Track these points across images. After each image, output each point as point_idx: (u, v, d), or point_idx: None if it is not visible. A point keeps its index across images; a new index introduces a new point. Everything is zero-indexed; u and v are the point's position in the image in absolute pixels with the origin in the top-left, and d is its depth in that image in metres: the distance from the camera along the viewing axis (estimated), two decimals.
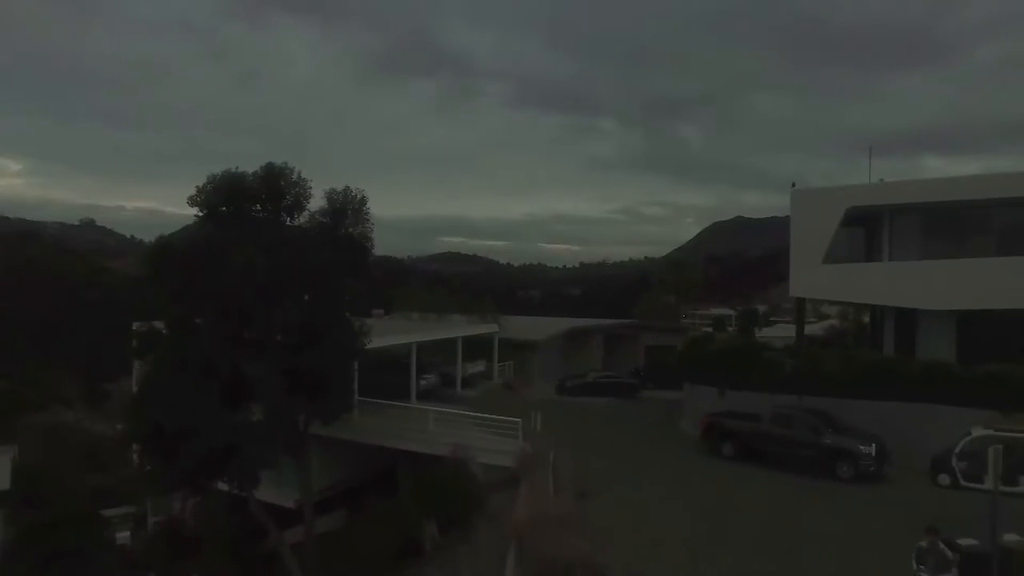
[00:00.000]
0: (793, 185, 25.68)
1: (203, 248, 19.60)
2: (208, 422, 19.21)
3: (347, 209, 21.20)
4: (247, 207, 20.98)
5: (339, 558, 23.31)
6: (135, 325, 23.31)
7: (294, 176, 21.34)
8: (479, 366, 33.20)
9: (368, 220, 21.48)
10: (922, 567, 11.66)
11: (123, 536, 34.89)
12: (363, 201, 21.38)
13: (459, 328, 32.02)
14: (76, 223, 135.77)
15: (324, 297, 20.64)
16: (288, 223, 21.44)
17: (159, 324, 21.32)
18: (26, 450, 44.29)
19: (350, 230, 21.10)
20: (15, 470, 36.69)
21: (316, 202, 21.58)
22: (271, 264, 19.05)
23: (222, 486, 24.57)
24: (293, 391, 20.32)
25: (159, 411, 19.63)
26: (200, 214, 20.57)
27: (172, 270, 19.28)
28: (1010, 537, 13.33)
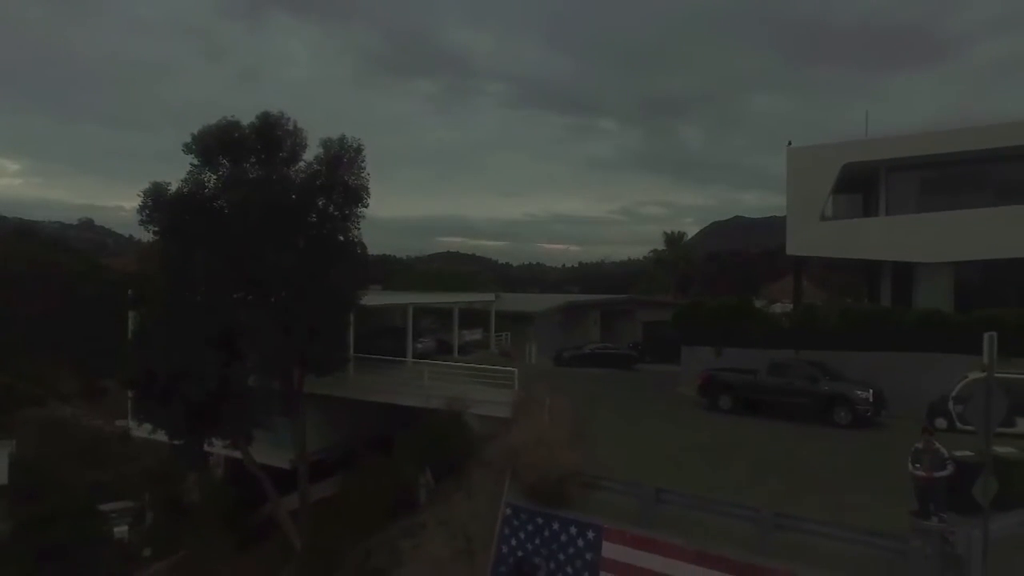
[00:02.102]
0: (789, 143, 25.66)
1: (197, 189, 19.56)
2: (201, 365, 19.10)
3: (343, 158, 21.14)
4: (243, 157, 20.97)
5: (334, 519, 23.22)
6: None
7: (290, 125, 21.35)
8: (476, 334, 33.13)
9: (364, 170, 21.43)
10: (918, 464, 11.60)
11: (121, 530, 34.74)
12: (359, 150, 21.30)
13: (456, 295, 31.93)
14: (75, 223, 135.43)
15: (319, 242, 20.57)
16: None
17: (152, 272, 21.31)
18: (24, 445, 44.22)
19: (346, 178, 21.03)
20: (13, 464, 36.62)
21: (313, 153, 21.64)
22: (265, 204, 18.98)
23: (218, 449, 24.58)
24: (287, 337, 20.25)
25: (152, 354, 19.55)
26: (196, 162, 20.58)
27: (164, 210, 19.22)
28: (1005, 448, 13.32)
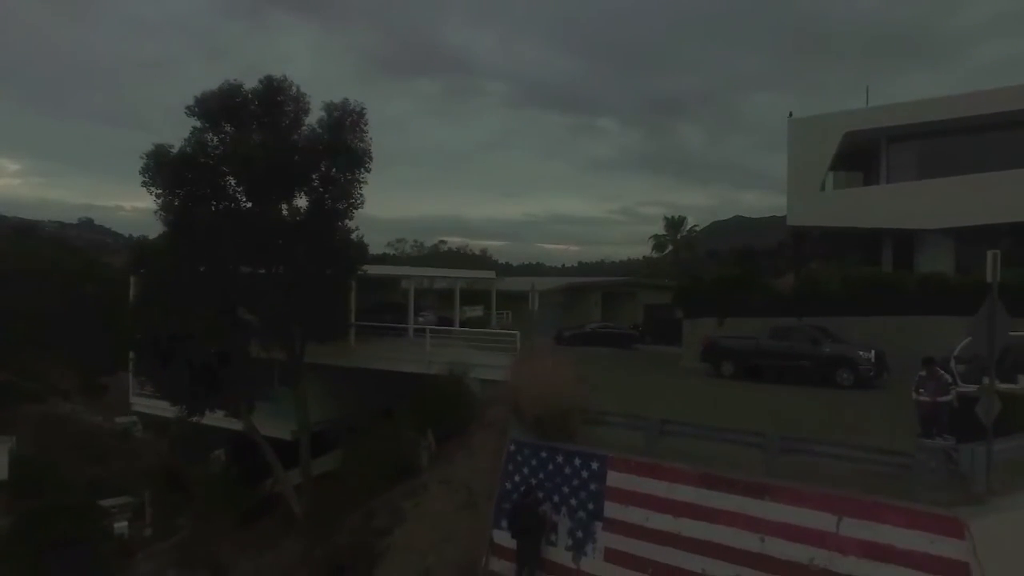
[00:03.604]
0: (790, 115, 25.74)
1: (200, 149, 19.60)
2: (202, 325, 19.12)
3: (345, 121, 21.18)
4: (246, 122, 21.00)
5: (336, 487, 23.21)
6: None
7: (292, 90, 21.40)
8: (477, 311, 33.15)
9: (367, 133, 21.46)
10: (922, 390, 11.63)
11: (121, 526, 34.74)
12: (361, 114, 21.35)
13: (457, 271, 31.96)
14: (74, 222, 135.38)
15: (322, 204, 20.60)
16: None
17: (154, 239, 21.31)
18: (24, 441, 44.25)
19: (348, 141, 21.06)
20: (13, 460, 36.66)
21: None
22: (269, 163, 19.00)
23: (219, 421, 24.51)
24: (288, 299, 20.27)
25: (153, 315, 19.57)
26: (198, 125, 20.62)
27: (167, 169, 19.25)
28: (1007, 385, 13.32)
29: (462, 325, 31.30)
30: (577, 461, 12.15)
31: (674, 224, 49.42)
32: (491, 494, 16.86)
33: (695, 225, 50.99)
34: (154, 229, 21.10)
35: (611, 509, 11.63)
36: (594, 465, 11.92)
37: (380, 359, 24.12)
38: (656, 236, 49.89)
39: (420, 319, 28.25)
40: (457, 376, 21.33)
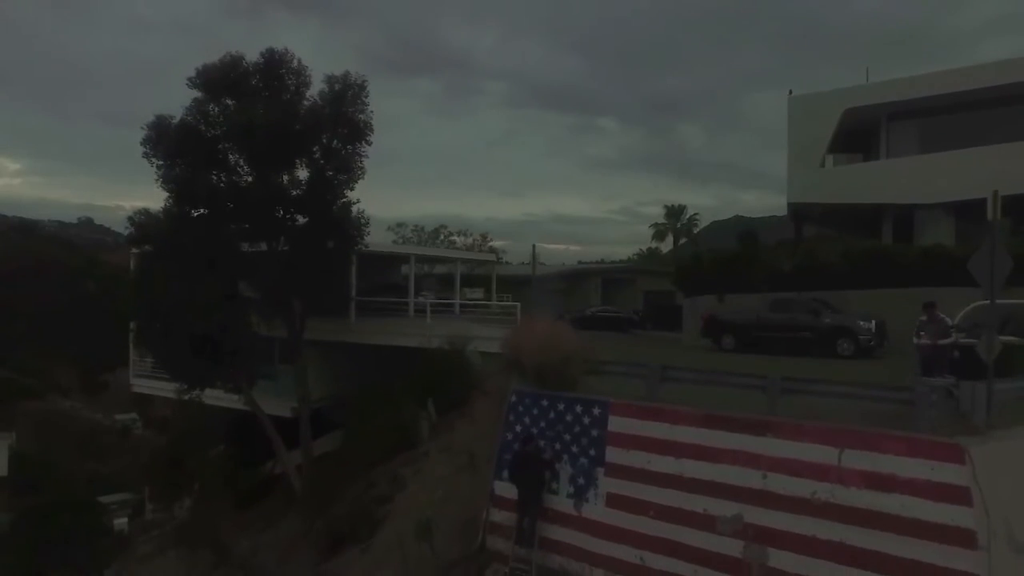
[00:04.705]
0: (790, 92, 25.80)
1: (201, 118, 19.64)
2: (204, 297, 19.13)
3: (347, 93, 21.21)
4: (247, 95, 21.01)
5: (337, 463, 23.20)
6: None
7: (294, 63, 21.43)
8: (477, 293, 33.22)
9: (367, 105, 21.48)
10: (922, 333, 11.65)
11: (120, 522, 34.79)
12: (363, 86, 21.37)
13: (458, 251, 32.00)
14: (74, 221, 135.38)
15: (323, 172, 20.62)
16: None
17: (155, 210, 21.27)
18: (24, 437, 44.27)
19: (349, 112, 21.09)
20: (13, 456, 36.68)
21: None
22: (270, 131, 19.02)
23: (219, 400, 24.48)
24: (288, 270, 20.28)
25: (156, 284, 19.58)
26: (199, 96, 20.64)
27: (168, 139, 19.27)
28: (1007, 337, 13.34)
29: (462, 307, 31.40)
30: (578, 408, 12.15)
31: (674, 213, 49.38)
32: (493, 456, 16.90)
33: (695, 214, 51.05)
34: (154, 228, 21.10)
35: (613, 454, 11.62)
36: (596, 411, 11.92)
37: (380, 334, 24.12)
38: (656, 225, 49.91)
39: (421, 298, 28.32)
40: (458, 348, 21.37)
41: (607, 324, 33.42)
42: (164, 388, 26.86)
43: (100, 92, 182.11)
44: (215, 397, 24.16)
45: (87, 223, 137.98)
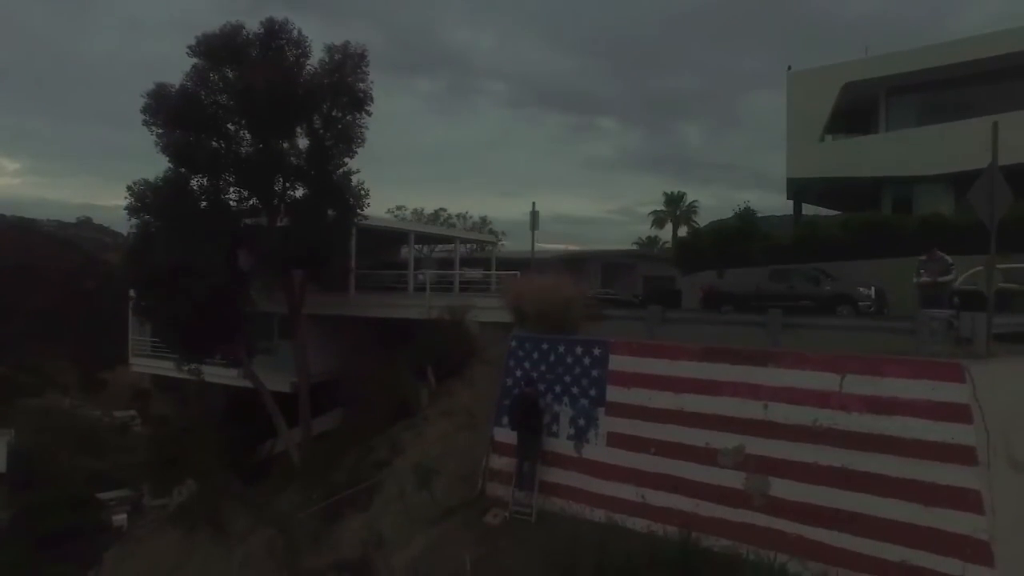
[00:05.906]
0: (789, 68, 25.85)
1: (200, 83, 19.64)
2: (203, 258, 19.09)
3: (347, 63, 21.22)
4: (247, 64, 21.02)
5: (337, 436, 23.19)
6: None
7: (294, 33, 21.44)
8: (477, 274, 33.17)
9: (368, 75, 21.49)
10: (923, 271, 11.66)
11: (120, 519, 34.64)
12: (363, 56, 21.38)
13: (458, 231, 32.01)
14: (74, 221, 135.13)
15: (323, 140, 20.62)
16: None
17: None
18: (23, 434, 44.14)
19: (349, 81, 21.09)
20: (12, 453, 36.60)
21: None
22: (271, 96, 19.02)
23: (219, 377, 24.42)
24: (287, 239, 20.26)
25: (157, 251, 19.55)
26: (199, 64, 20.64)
27: (168, 105, 19.27)
28: (1007, 285, 13.37)
29: (461, 288, 31.38)
30: (579, 349, 12.14)
31: (674, 199, 49.34)
32: (492, 415, 16.89)
33: (695, 201, 50.87)
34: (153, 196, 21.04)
35: (613, 393, 11.61)
36: (596, 351, 11.91)
37: (380, 307, 24.10)
38: (655, 212, 49.88)
39: (420, 277, 28.32)
40: (457, 317, 21.37)
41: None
42: (164, 367, 26.84)
43: (100, 92, 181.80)
44: (214, 375, 24.14)
45: (87, 223, 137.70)
